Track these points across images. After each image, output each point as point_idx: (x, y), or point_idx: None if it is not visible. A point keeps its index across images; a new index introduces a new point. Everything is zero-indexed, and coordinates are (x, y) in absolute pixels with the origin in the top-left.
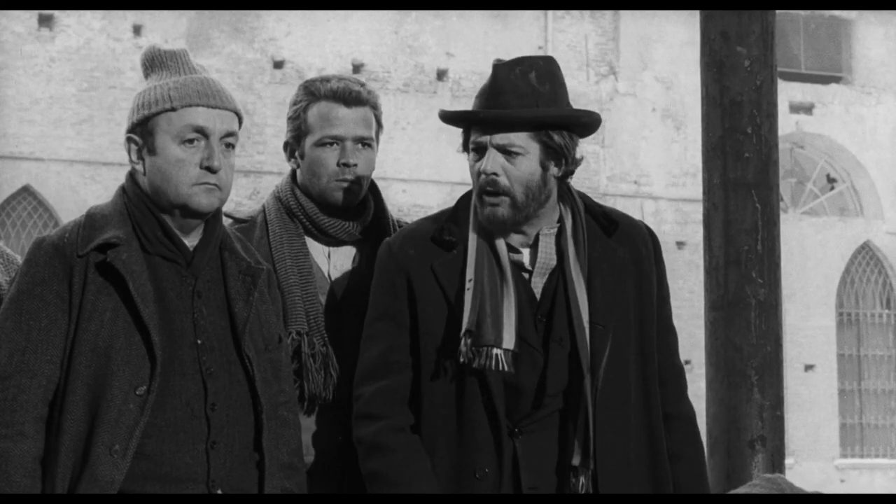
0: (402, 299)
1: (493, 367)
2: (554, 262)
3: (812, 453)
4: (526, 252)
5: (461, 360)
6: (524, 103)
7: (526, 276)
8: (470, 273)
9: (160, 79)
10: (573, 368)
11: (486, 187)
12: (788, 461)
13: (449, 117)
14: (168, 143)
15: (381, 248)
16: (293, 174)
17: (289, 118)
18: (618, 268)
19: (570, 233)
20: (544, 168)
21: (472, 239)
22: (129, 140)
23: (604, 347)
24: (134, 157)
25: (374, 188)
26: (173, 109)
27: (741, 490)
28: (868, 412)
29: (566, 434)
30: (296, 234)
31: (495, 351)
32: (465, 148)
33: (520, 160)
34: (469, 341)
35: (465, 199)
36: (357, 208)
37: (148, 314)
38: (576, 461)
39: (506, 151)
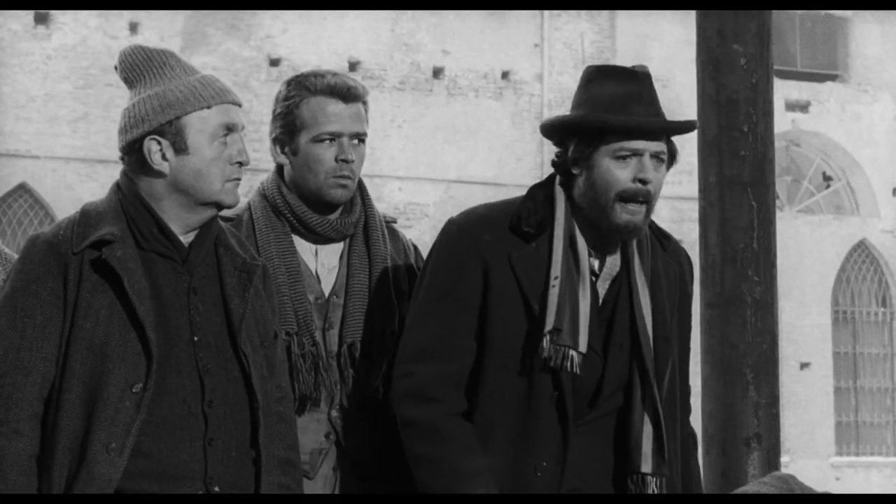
0: (474, 283)
1: (568, 369)
2: (618, 268)
3: (808, 451)
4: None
5: (544, 356)
6: (660, 112)
7: (593, 279)
8: (556, 271)
9: (171, 79)
10: (631, 374)
11: (639, 194)
12: (784, 459)
13: (608, 127)
14: (203, 142)
15: (449, 227)
16: (279, 170)
17: (278, 114)
18: (671, 281)
19: (635, 242)
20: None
21: (559, 236)
22: (152, 141)
23: (668, 357)
24: (157, 159)
25: (360, 185)
26: (208, 107)
27: (751, 487)
28: (864, 410)
29: (618, 438)
30: (283, 233)
31: (571, 352)
32: (581, 158)
33: (662, 168)
34: (553, 340)
35: (542, 189)
36: (344, 205)
37: (143, 311)
38: (646, 468)
39: (659, 159)
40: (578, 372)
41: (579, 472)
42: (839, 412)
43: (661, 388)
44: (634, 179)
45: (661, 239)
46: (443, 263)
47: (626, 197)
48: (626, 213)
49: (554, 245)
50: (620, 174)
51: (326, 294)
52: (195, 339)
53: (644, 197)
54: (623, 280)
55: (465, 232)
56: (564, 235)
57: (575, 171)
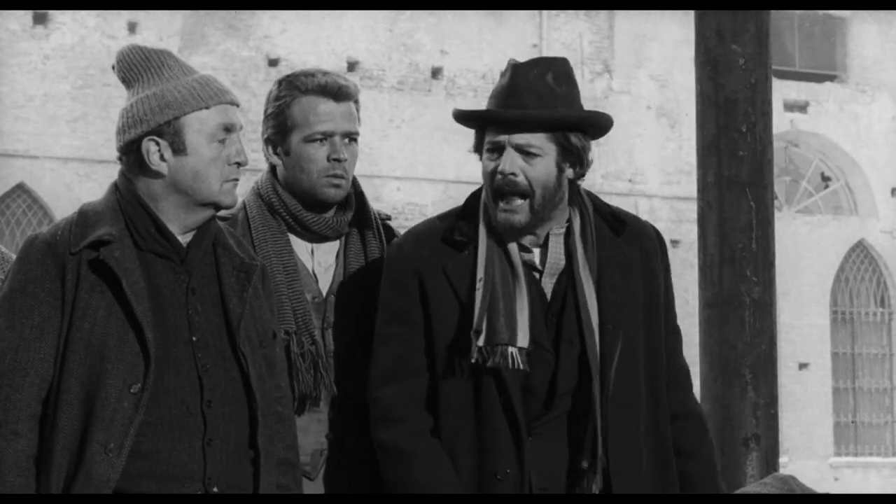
0: (415, 300)
1: (509, 366)
2: (563, 263)
3: (806, 452)
4: (536, 252)
5: (473, 359)
6: (543, 104)
7: (537, 275)
8: (480, 272)
9: (169, 79)
10: (583, 369)
11: (504, 188)
12: (782, 459)
13: (465, 116)
14: (201, 142)
15: (391, 248)
16: (273, 170)
17: (270, 114)
18: (627, 268)
19: (578, 233)
20: (560, 170)
21: (483, 237)
22: (150, 141)
23: (614, 348)
24: (155, 159)
25: (355, 183)
26: (206, 108)
27: (752, 488)
28: (862, 410)
29: (576, 436)
30: (279, 232)
31: (510, 349)
32: (478, 149)
33: (538, 161)
34: (481, 340)
35: (474, 197)
36: (340, 204)
37: (141, 311)
38: (585, 464)
39: (524, 152)
40: (523, 368)
41: (546, 473)
42: (838, 412)
43: (607, 381)
44: (497, 172)
45: (616, 225)
46: (388, 285)
47: (497, 192)
48: (502, 213)
49: (479, 247)
50: (487, 167)
51: (324, 293)
52: (193, 339)
53: (511, 190)
54: (567, 274)
55: (403, 252)
56: (489, 236)
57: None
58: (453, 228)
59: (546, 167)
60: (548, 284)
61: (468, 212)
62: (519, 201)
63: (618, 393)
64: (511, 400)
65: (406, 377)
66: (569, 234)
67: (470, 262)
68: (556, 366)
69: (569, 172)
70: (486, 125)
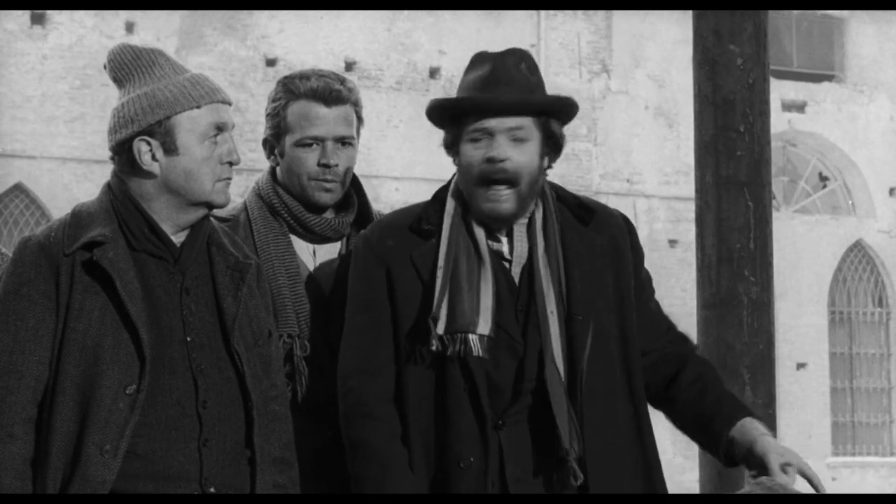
0: (382, 291)
1: (472, 353)
2: (526, 254)
3: (804, 451)
4: (505, 241)
5: (433, 347)
6: (525, 91)
7: (507, 265)
8: (441, 260)
9: (160, 78)
10: (549, 359)
11: (493, 175)
12: None
13: (452, 104)
14: (193, 142)
15: (358, 240)
16: (273, 171)
17: (268, 115)
18: (596, 257)
19: (539, 224)
20: (541, 156)
21: (447, 225)
22: (142, 142)
23: (585, 338)
24: (147, 159)
25: (356, 183)
26: (198, 107)
27: (743, 490)
28: (860, 410)
29: (549, 425)
30: (280, 233)
31: (470, 336)
32: (453, 143)
33: (526, 147)
34: (441, 328)
35: (443, 189)
36: (341, 204)
37: (136, 312)
38: (563, 453)
39: (515, 138)
40: (483, 356)
41: (521, 461)
42: (835, 412)
43: (579, 371)
44: (486, 159)
45: (583, 214)
46: (355, 276)
47: (483, 180)
48: (488, 201)
49: (442, 235)
50: (474, 155)
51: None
52: (188, 339)
53: (501, 177)
54: (528, 264)
55: (369, 242)
56: (454, 224)
57: (454, 161)
58: (420, 218)
59: (532, 153)
60: (517, 275)
61: (436, 202)
62: (506, 190)
63: (591, 382)
64: (476, 388)
65: (378, 371)
66: (531, 224)
67: (435, 250)
68: (524, 355)
69: (546, 161)
70: (466, 114)
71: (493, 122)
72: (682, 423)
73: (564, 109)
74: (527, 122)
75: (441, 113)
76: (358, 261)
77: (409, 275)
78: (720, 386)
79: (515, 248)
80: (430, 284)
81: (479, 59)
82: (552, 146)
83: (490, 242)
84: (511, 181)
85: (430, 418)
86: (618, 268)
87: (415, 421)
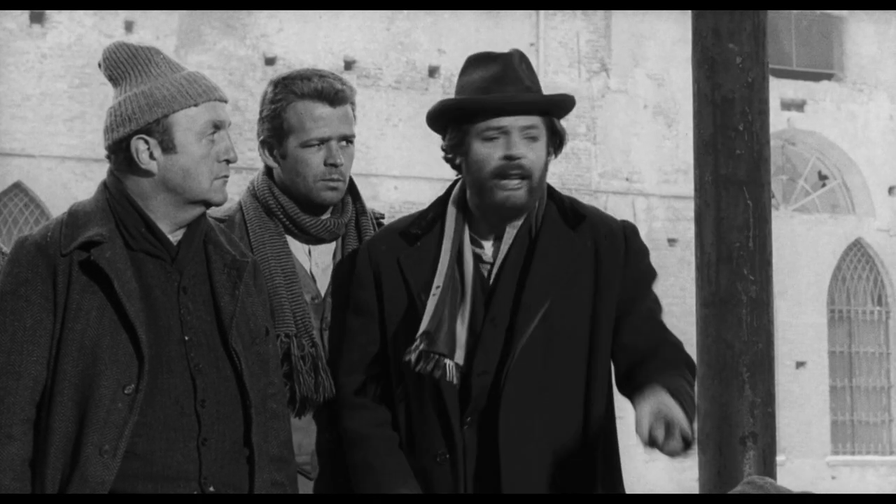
0: (370, 291)
1: (437, 377)
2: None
3: (803, 450)
4: (487, 245)
5: (407, 358)
6: (530, 91)
7: (486, 270)
8: (439, 280)
9: (157, 76)
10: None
11: (512, 170)
12: (780, 458)
13: (472, 104)
14: (191, 140)
15: (360, 247)
16: (269, 172)
17: (265, 116)
18: (572, 258)
19: (516, 226)
20: (547, 154)
21: (449, 237)
22: (139, 140)
23: (526, 328)
24: (145, 158)
25: (351, 184)
26: (195, 105)
27: (735, 490)
28: (859, 409)
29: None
30: (276, 234)
31: (446, 362)
32: (458, 143)
33: (537, 145)
34: (424, 344)
35: (444, 197)
36: (336, 206)
37: (134, 312)
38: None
39: (528, 136)
40: (454, 381)
41: (487, 458)
42: (835, 411)
43: (511, 357)
44: (503, 157)
45: (571, 218)
46: (353, 282)
47: (500, 174)
48: (503, 191)
49: (442, 249)
50: (490, 153)
51: (322, 293)
52: (186, 338)
53: (518, 172)
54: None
55: (368, 246)
56: (455, 239)
57: (457, 162)
58: (412, 223)
59: (541, 151)
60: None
61: (432, 207)
62: (520, 182)
63: (521, 367)
64: (443, 397)
65: (366, 366)
66: (523, 226)
67: (423, 255)
68: (476, 346)
69: (550, 158)
70: (475, 114)
71: (507, 121)
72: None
73: (567, 107)
74: (537, 121)
75: (455, 114)
76: (355, 264)
77: (395, 278)
78: (665, 366)
79: (502, 250)
80: (414, 288)
81: (481, 59)
82: (556, 143)
83: (474, 248)
84: (528, 176)
85: (414, 413)
86: (598, 273)
87: (405, 416)
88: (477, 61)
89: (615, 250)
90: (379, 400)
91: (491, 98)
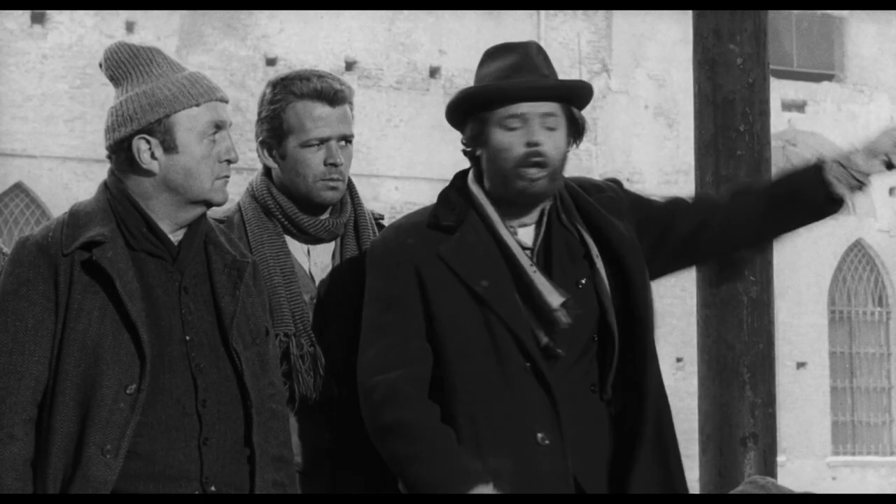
0: (411, 287)
1: (560, 324)
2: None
3: (804, 451)
4: (522, 231)
5: (564, 324)
6: (548, 76)
7: (528, 253)
8: (514, 248)
9: (158, 76)
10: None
11: (533, 158)
12: (780, 459)
13: (495, 89)
14: (192, 140)
15: (374, 243)
16: (267, 171)
17: (264, 117)
18: (610, 214)
19: (551, 213)
20: (566, 144)
21: (489, 209)
22: (141, 140)
23: (589, 302)
24: (146, 158)
25: (350, 184)
26: (197, 105)
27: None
28: (860, 410)
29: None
30: (275, 234)
31: (559, 315)
32: (478, 133)
33: (556, 134)
34: (566, 316)
35: (452, 189)
36: (335, 206)
37: (135, 312)
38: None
39: (547, 125)
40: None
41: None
42: (835, 412)
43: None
44: (525, 144)
45: (588, 189)
46: (377, 277)
47: (521, 162)
48: (523, 180)
49: (502, 235)
50: (512, 141)
51: (321, 293)
52: (187, 338)
53: (538, 160)
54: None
55: (388, 244)
56: (498, 221)
57: (478, 153)
58: (436, 215)
59: (561, 139)
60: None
61: (451, 200)
62: (540, 171)
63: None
64: (539, 366)
65: (409, 362)
66: (544, 213)
67: (466, 244)
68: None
69: (569, 148)
70: (494, 102)
71: (527, 107)
72: (763, 209)
73: (586, 95)
74: (556, 108)
75: (475, 102)
76: (377, 262)
77: (441, 270)
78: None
79: (538, 235)
80: (468, 277)
81: (499, 50)
82: (576, 132)
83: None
84: (548, 164)
85: (495, 410)
86: (623, 225)
87: (468, 413)
88: (495, 52)
89: (622, 204)
90: (426, 392)
91: (510, 83)
